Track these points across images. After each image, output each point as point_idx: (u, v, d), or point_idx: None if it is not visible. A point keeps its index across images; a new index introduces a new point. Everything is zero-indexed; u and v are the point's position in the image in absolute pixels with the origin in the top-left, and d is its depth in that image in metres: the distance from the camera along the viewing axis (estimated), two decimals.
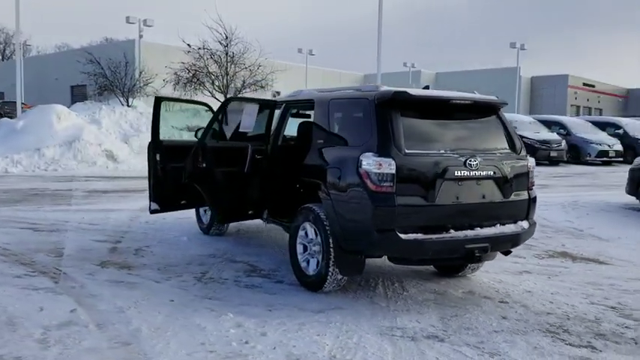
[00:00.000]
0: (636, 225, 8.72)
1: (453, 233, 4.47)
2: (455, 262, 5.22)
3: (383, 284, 5.23)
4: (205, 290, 4.94)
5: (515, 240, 4.79)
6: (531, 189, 4.98)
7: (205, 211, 7.18)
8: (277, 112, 5.97)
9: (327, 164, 4.85)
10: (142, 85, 24.27)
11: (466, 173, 4.50)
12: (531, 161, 4.99)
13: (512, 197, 4.78)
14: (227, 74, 22.40)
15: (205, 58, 22.14)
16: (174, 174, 6.09)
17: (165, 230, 7.39)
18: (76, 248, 6.33)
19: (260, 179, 5.69)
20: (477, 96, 4.94)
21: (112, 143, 17.54)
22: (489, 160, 4.67)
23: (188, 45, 21.74)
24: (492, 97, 5.04)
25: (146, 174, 6.30)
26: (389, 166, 4.29)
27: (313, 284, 4.92)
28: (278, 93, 23.63)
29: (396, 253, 4.48)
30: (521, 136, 19.81)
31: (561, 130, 20.73)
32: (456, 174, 4.46)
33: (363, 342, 3.89)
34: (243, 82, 22.74)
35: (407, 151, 4.38)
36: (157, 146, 6.06)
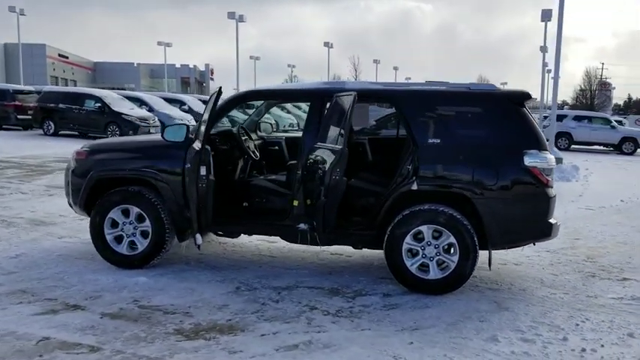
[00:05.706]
0: None
1: None
2: None
3: None
4: (382, 326, 4.08)
5: None
6: None
7: (119, 238, 5.04)
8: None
9: (466, 163, 4.67)
10: None
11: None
12: None
13: None
14: None
15: None
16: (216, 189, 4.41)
17: (70, 274, 4.89)
18: (64, 332, 3.63)
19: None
20: None
21: None
22: None
23: None
24: None
25: None
26: (552, 161, 4.72)
27: (442, 287, 4.71)
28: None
29: (554, 237, 4.92)
30: (121, 113, 19.09)
31: (143, 107, 20.84)
32: None
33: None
34: None
35: None
36: (204, 154, 4.17)
